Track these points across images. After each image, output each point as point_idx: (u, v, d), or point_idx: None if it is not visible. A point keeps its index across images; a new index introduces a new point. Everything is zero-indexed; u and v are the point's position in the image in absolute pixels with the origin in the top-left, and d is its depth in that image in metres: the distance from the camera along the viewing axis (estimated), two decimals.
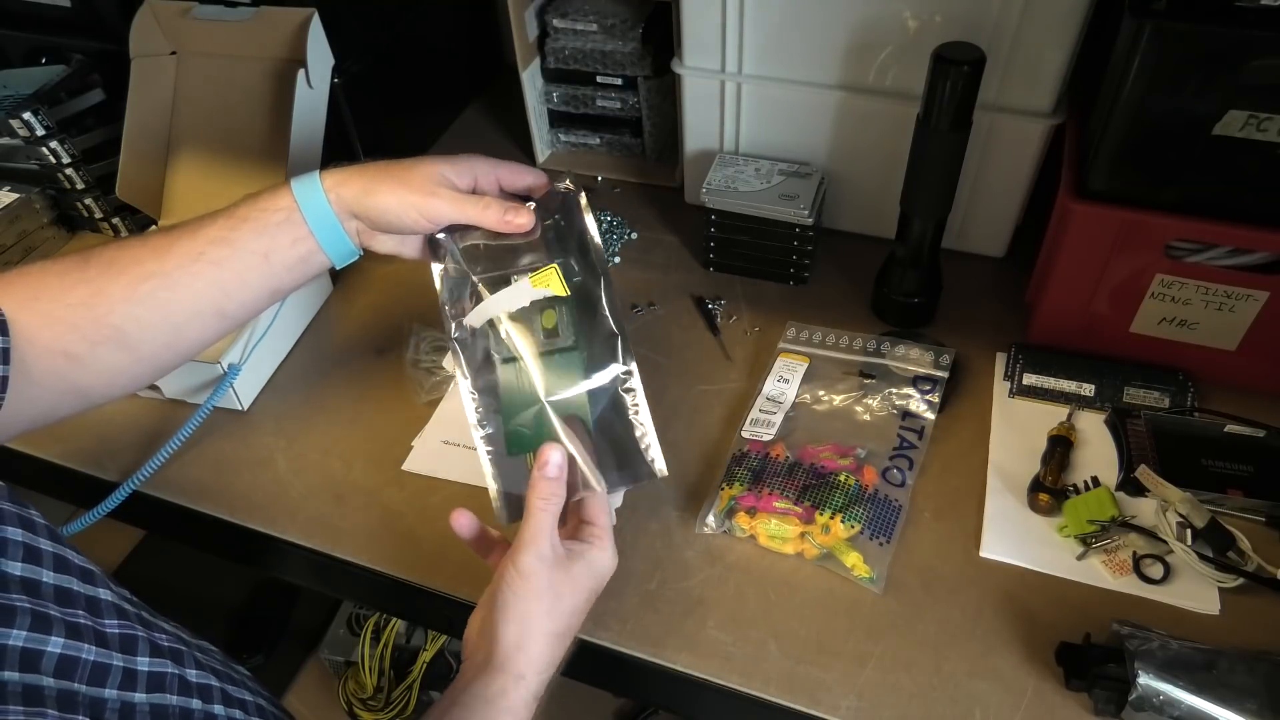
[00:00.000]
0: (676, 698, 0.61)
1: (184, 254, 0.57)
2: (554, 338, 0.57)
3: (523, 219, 0.58)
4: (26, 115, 0.88)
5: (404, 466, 0.73)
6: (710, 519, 0.67)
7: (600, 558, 0.54)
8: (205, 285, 0.57)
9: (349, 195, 0.58)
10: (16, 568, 0.40)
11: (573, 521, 0.57)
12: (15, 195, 0.93)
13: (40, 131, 0.89)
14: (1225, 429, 0.68)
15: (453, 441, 0.75)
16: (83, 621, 0.41)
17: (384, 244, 0.61)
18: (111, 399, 0.59)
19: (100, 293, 0.55)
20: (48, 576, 0.41)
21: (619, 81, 0.97)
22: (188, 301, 0.57)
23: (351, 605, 1.33)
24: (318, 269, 0.61)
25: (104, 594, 0.44)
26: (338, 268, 0.62)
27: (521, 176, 0.62)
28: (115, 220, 0.97)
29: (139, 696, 0.43)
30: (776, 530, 0.65)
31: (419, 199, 0.57)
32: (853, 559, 0.63)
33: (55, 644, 0.39)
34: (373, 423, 0.77)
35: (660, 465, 0.57)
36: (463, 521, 0.57)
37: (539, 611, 0.51)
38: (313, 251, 0.59)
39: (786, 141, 0.86)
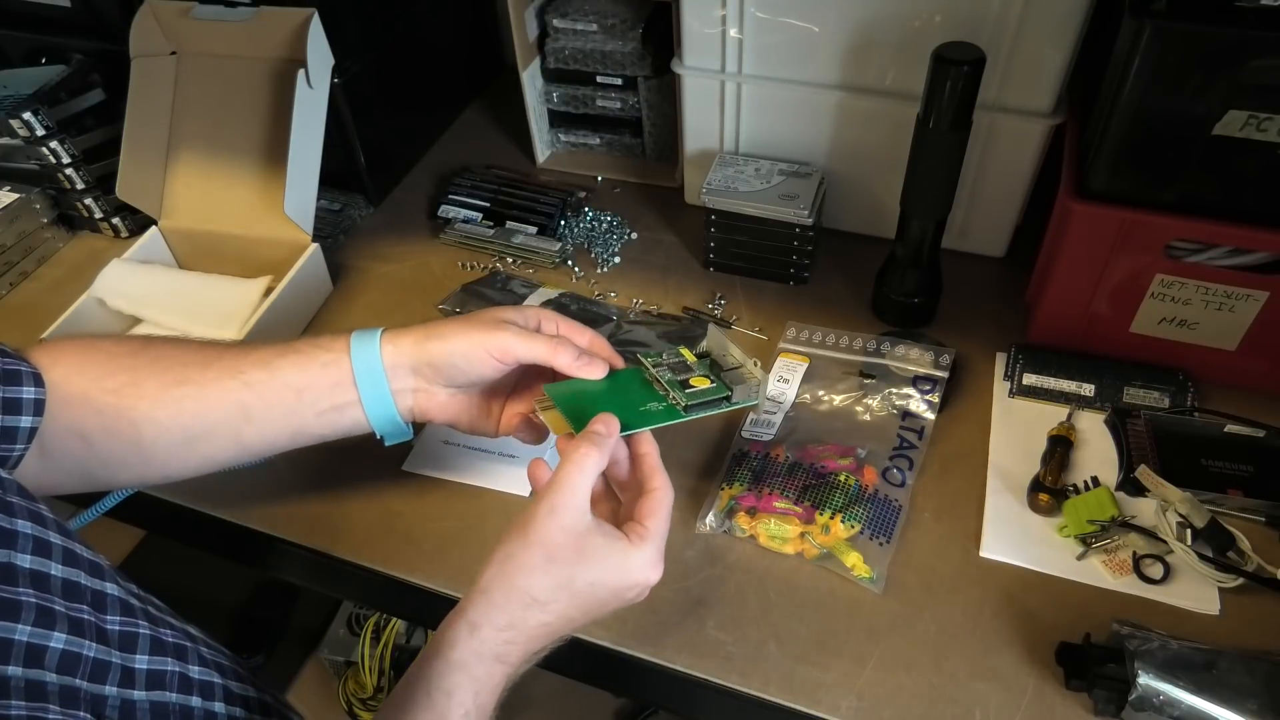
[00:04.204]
0: (676, 698, 0.61)
1: (225, 369, 0.56)
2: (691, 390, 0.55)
3: (597, 370, 0.55)
4: (26, 115, 0.88)
5: (404, 466, 0.73)
6: (710, 519, 0.67)
7: (632, 555, 0.48)
8: (231, 404, 0.56)
9: (408, 344, 0.56)
10: (26, 560, 0.40)
11: (624, 515, 0.53)
12: (15, 195, 0.93)
13: (40, 131, 0.89)
14: (1225, 429, 0.68)
15: (453, 441, 0.75)
16: (86, 617, 0.41)
17: (444, 408, 0.59)
18: (115, 488, 0.58)
19: (135, 384, 0.55)
20: (56, 570, 0.41)
21: (619, 81, 0.97)
22: (209, 417, 0.56)
23: (351, 605, 1.33)
24: (352, 425, 0.58)
25: (111, 588, 0.44)
26: (378, 434, 0.59)
27: (581, 334, 0.58)
28: (115, 220, 0.97)
29: (138, 694, 0.42)
30: (776, 530, 0.65)
31: (485, 335, 0.54)
32: (853, 559, 0.63)
33: (58, 639, 0.39)
34: None
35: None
36: (539, 476, 0.53)
37: (520, 560, 0.47)
38: (350, 404, 0.57)
39: (786, 141, 0.86)
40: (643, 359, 0.54)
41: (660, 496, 0.52)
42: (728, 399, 0.55)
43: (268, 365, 0.56)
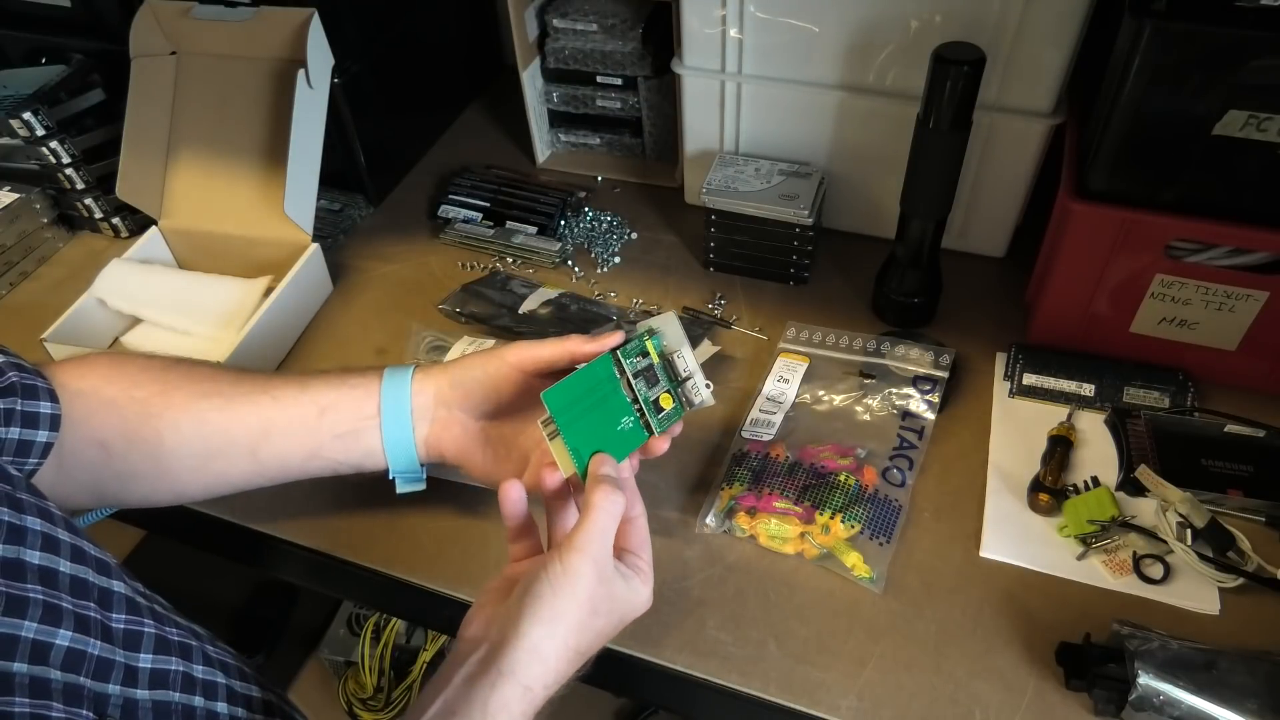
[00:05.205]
0: (676, 698, 0.61)
1: (255, 385, 0.58)
2: (659, 411, 0.56)
3: (610, 339, 0.55)
4: (26, 115, 0.88)
5: None
6: (710, 519, 0.67)
7: (642, 591, 0.50)
8: (255, 418, 0.57)
9: (436, 369, 0.59)
10: (35, 556, 0.40)
11: (615, 548, 0.52)
12: (15, 195, 0.94)
13: (40, 131, 0.89)
14: (1225, 429, 0.68)
15: None
16: (92, 615, 0.41)
17: (457, 441, 0.59)
18: (124, 505, 0.60)
19: (164, 394, 0.56)
20: (64, 566, 0.41)
21: (619, 81, 0.97)
22: (231, 430, 0.57)
23: (351, 605, 1.33)
24: (365, 453, 0.58)
25: (117, 586, 0.44)
26: (390, 470, 0.60)
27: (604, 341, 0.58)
28: (115, 220, 0.98)
29: (141, 693, 0.43)
30: (776, 530, 0.65)
31: (499, 350, 0.57)
32: (853, 559, 0.63)
33: (64, 636, 0.39)
34: None
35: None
36: (514, 496, 0.52)
37: (572, 620, 0.46)
38: (368, 429, 0.58)
39: (786, 141, 0.86)
40: (623, 360, 0.55)
41: (643, 523, 0.53)
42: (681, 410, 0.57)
43: (300, 383, 0.58)
